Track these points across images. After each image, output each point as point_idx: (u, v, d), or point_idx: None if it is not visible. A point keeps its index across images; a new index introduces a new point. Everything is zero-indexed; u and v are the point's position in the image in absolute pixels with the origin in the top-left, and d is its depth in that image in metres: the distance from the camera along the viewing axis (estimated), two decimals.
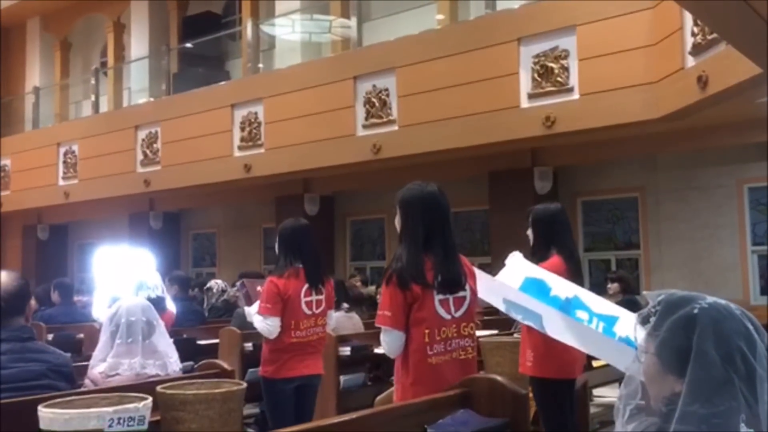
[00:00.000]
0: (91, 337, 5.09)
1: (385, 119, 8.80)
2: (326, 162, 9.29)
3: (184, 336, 5.40)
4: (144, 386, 2.51)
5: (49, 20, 14.87)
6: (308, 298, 3.93)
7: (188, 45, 12.54)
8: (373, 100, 8.91)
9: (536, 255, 3.64)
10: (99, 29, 14.42)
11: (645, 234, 8.64)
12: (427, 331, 2.70)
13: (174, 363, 3.04)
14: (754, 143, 7.37)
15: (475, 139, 7.98)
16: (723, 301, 1.29)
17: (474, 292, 2.85)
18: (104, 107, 13.48)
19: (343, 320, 5.51)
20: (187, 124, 10.84)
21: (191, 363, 3.90)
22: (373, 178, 10.02)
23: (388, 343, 2.75)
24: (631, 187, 8.81)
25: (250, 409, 4.51)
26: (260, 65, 11.26)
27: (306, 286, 3.93)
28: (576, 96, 7.41)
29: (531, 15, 7.78)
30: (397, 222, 2.83)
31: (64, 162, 13.04)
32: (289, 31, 10.69)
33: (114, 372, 2.87)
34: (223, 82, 11.40)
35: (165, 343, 3.05)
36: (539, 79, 7.64)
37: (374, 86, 8.92)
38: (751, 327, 1.25)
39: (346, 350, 5.21)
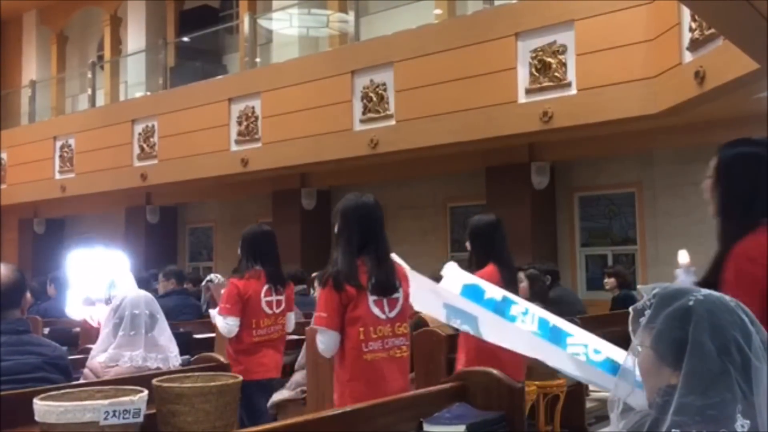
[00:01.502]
0: (87, 331, 5.09)
1: (382, 114, 8.79)
2: (323, 157, 9.28)
3: (181, 330, 5.40)
4: (140, 379, 2.51)
5: (45, 13, 14.82)
6: (268, 298, 4.13)
7: (185, 39, 12.51)
8: (371, 94, 8.90)
9: (474, 264, 3.82)
10: (95, 23, 14.38)
11: (642, 229, 8.65)
12: (362, 329, 2.90)
13: (174, 357, 3.05)
14: None
15: (473, 134, 7.98)
16: (717, 294, 1.29)
17: (407, 296, 3.06)
18: (101, 101, 13.44)
19: None
20: (184, 118, 10.82)
21: (188, 356, 3.93)
22: (370, 173, 10.02)
23: (324, 343, 2.94)
24: (628, 183, 8.82)
25: None
26: (257, 59, 11.24)
27: (266, 287, 4.13)
28: (574, 91, 7.41)
29: (529, 10, 7.77)
30: (336, 230, 3.06)
31: (61, 156, 13.01)
32: (286, 25, 10.66)
33: (114, 363, 2.88)
34: (220, 77, 11.38)
35: (166, 337, 3.05)
36: (537, 74, 7.63)
37: (372, 81, 8.91)
38: (746, 318, 1.26)
39: None
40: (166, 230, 13.03)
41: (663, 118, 6.95)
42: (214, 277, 7.29)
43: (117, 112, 12.29)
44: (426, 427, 2.21)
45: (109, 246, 5.97)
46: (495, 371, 2.43)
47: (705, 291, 1.29)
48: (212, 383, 2.38)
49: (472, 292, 3.30)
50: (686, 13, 6.24)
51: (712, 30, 5.68)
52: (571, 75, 7.43)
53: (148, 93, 12.52)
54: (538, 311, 3.23)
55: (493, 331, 3.13)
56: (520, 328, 3.12)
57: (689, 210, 8.32)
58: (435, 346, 3.96)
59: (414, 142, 8.43)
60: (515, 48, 7.77)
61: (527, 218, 8.62)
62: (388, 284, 2.98)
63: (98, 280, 4.74)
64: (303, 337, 5.22)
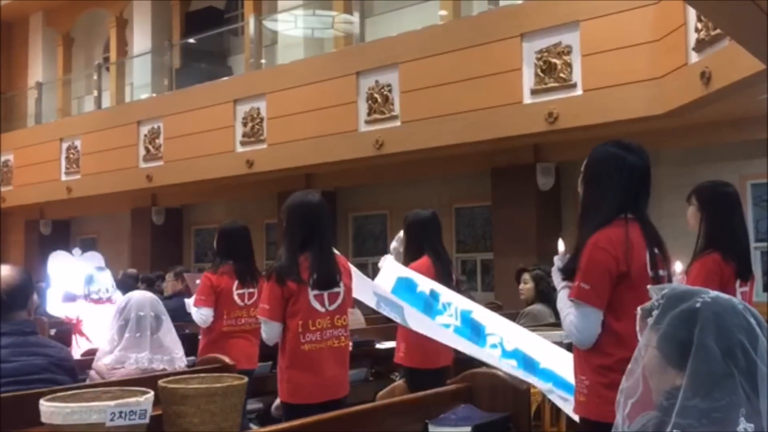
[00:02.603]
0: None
1: (387, 115, 8.79)
2: (328, 158, 9.28)
3: (186, 331, 5.41)
4: (146, 380, 2.51)
5: (51, 15, 14.86)
6: (240, 291, 4.31)
7: (191, 40, 12.53)
8: (376, 95, 8.90)
9: (409, 255, 4.03)
10: (101, 24, 14.41)
11: None
12: (300, 322, 3.12)
13: (180, 358, 3.05)
14: (757, 139, 7.34)
15: (478, 135, 7.97)
16: (725, 296, 1.28)
17: (348, 289, 3.28)
18: (107, 103, 13.48)
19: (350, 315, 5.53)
20: (189, 120, 10.84)
21: (193, 358, 3.95)
22: (375, 174, 10.01)
23: (266, 332, 3.21)
24: None
25: (253, 404, 4.53)
26: (263, 61, 11.25)
27: (238, 281, 4.31)
28: (579, 92, 7.39)
29: (534, 10, 7.76)
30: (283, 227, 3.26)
31: (67, 157, 13.05)
32: (291, 26, 10.67)
33: (120, 365, 2.88)
34: (225, 78, 11.39)
35: (171, 338, 3.06)
36: (542, 74, 7.62)
37: (377, 82, 8.91)
38: (753, 322, 1.25)
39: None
40: (172, 231, 13.05)
41: (669, 119, 6.93)
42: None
43: (123, 113, 12.31)
44: (432, 428, 2.21)
45: (115, 247, 6.18)
46: (501, 373, 2.43)
47: (713, 293, 1.28)
48: (218, 384, 2.39)
49: (405, 285, 3.57)
50: (692, 13, 6.22)
51: (718, 30, 5.66)
52: (577, 76, 7.41)
53: (154, 94, 12.54)
54: (461, 303, 3.54)
55: (417, 321, 3.41)
56: (439, 324, 3.43)
57: None
58: None
59: (419, 142, 8.42)
60: (520, 49, 7.76)
61: (532, 219, 8.60)
62: (330, 279, 3.19)
63: (76, 278, 4.88)
64: None
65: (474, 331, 3.43)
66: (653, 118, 6.91)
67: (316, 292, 3.15)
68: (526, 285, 5.10)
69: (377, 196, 10.83)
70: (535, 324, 4.53)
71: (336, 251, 3.36)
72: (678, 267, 3.48)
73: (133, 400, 1.96)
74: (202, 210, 13.26)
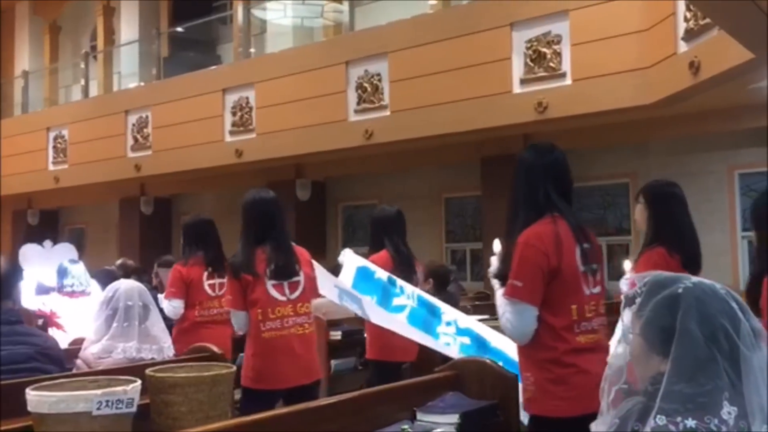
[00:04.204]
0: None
1: (377, 104, 8.77)
2: (318, 147, 9.25)
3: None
4: (134, 369, 2.50)
5: (38, 4, 14.70)
6: (211, 281, 4.40)
7: (179, 29, 12.43)
8: (365, 85, 8.87)
9: (371, 248, 4.30)
10: (88, 13, 14.27)
11: (635, 220, 8.66)
12: (260, 311, 3.31)
13: (168, 348, 3.05)
14: (745, 129, 7.38)
15: (467, 124, 7.96)
16: (708, 281, 1.29)
17: (309, 277, 3.45)
18: (94, 91, 13.37)
19: (333, 305, 5.52)
20: (177, 109, 10.77)
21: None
22: (365, 164, 10.00)
23: (235, 322, 3.44)
24: (623, 173, 8.83)
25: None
26: (252, 50, 11.18)
27: (207, 271, 4.41)
28: (568, 81, 7.40)
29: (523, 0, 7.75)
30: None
31: (54, 147, 12.95)
32: (280, 15, 10.60)
33: (107, 354, 2.87)
34: (214, 67, 11.31)
35: (159, 328, 3.05)
36: (532, 64, 7.62)
37: (366, 71, 8.88)
38: (735, 306, 1.25)
39: (336, 335, 5.22)
40: (161, 221, 12.99)
41: (658, 109, 6.95)
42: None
43: (110, 102, 12.22)
44: (420, 415, 2.22)
45: (103, 237, 6.20)
46: (489, 361, 2.44)
47: (695, 279, 1.29)
48: (206, 373, 2.39)
49: (364, 273, 3.78)
50: (681, 3, 6.23)
51: (707, 20, 5.67)
52: (566, 65, 7.41)
53: (142, 83, 12.44)
54: (416, 289, 3.78)
55: (376, 314, 3.57)
56: (396, 305, 3.64)
57: None
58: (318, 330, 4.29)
59: (409, 132, 8.41)
60: (510, 38, 7.75)
61: None
62: (287, 269, 3.37)
63: (48, 270, 4.88)
64: None
65: (430, 311, 3.62)
66: (642, 107, 6.93)
67: (274, 282, 3.34)
68: None
69: (367, 186, 10.82)
70: None
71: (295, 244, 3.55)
72: (627, 265, 3.68)
73: (119, 389, 1.95)
74: (191, 200, 13.20)
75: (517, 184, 2.57)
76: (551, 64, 7.48)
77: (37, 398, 1.89)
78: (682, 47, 6.29)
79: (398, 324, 3.58)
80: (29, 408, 1.90)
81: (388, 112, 8.67)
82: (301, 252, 3.52)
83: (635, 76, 6.86)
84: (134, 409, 1.96)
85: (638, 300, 1.31)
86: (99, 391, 1.92)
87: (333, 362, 5.19)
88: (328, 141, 9.10)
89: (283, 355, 3.27)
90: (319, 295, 3.59)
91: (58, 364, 2.63)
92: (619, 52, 6.96)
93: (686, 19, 6.18)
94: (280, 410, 2.03)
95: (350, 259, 3.86)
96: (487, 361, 2.44)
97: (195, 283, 4.38)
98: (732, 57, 5.37)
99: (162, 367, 2.41)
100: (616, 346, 2.88)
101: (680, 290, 1.27)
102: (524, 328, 2.38)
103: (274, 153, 9.70)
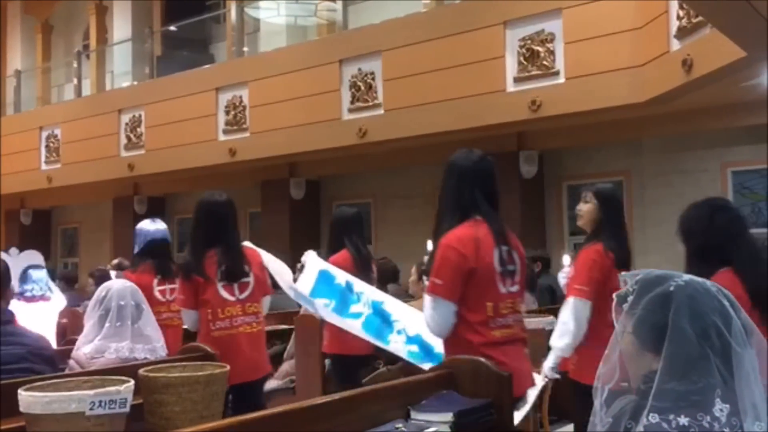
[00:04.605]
0: (74, 323, 5.08)
1: (370, 103, 8.76)
2: (312, 146, 9.24)
3: None
4: (127, 369, 2.50)
5: (29, 3, 14.62)
6: (161, 287, 4.37)
7: (172, 28, 12.39)
8: (359, 83, 8.87)
9: (331, 248, 4.46)
10: (81, 12, 14.21)
11: (630, 218, 8.65)
12: (209, 311, 3.45)
13: (161, 347, 3.04)
14: (738, 127, 7.40)
15: (461, 123, 7.96)
16: (699, 279, 1.29)
17: (259, 279, 3.59)
18: (87, 91, 13.31)
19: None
20: (171, 108, 10.74)
21: None
22: (359, 162, 9.99)
23: (186, 320, 3.58)
24: (617, 171, 8.84)
25: None
26: (245, 48, 11.15)
27: (158, 277, 4.40)
28: (562, 80, 7.40)
29: None
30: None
31: (47, 146, 12.89)
32: (274, 14, 10.58)
33: (100, 354, 2.86)
34: (207, 66, 11.28)
35: (152, 327, 3.04)
36: (525, 62, 7.62)
37: (360, 70, 8.87)
38: (727, 304, 1.25)
39: None
40: None
41: (651, 107, 6.96)
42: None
43: (103, 101, 12.17)
44: (414, 414, 2.22)
45: (97, 237, 6.19)
46: (482, 359, 2.44)
47: (687, 277, 1.29)
48: (199, 373, 2.38)
49: (325, 277, 3.91)
50: (674, 1, 6.24)
51: (700, 18, 5.69)
52: (560, 63, 7.42)
53: (135, 82, 12.40)
54: (372, 294, 3.91)
55: (329, 316, 3.77)
56: (352, 313, 3.80)
57: (677, 198, 8.35)
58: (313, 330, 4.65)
59: (402, 131, 8.40)
60: (503, 36, 7.75)
61: (516, 207, 8.62)
62: (236, 271, 3.50)
63: (12, 276, 4.87)
64: (291, 327, 5.22)
65: (383, 319, 3.79)
66: (635, 105, 6.94)
67: (224, 283, 3.47)
68: None
69: (361, 185, 10.81)
70: None
71: (251, 245, 3.74)
72: (566, 260, 3.87)
73: (113, 389, 1.94)
74: (184, 199, 13.15)
75: (447, 186, 2.75)
76: (545, 63, 7.49)
77: (29, 399, 1.88)
78: (675, 45, 6.31)
79: (352, 328, 3.77)
80: (21, 408, 1.89)
81: (381, 111, 8.66)
82: (252, 254, 3.67)
83: (628, 74, 6.88)
84: (127, 409, 1.96)
85: (630, 298, 1.31)
86: (92, 392, 1.92)
87: (327, 361, 5.18)
88: (322, 140, 9.09)
89: (231, 353, 3.32)
90: (268, 293, 3.73)
91: (50, 364, 2.62)
92: (612, 51, 6.97)
93: (679, 17, 6.19)
94: (274, 410, 2.02)
95: (312, 262, 3.97)
96: (482, 359, 2.45)
97: (145, 289, 4.27)
98: (725, 55, 5.38)
99: (155, 367, 2.41)
100: (557, 339, 3.10)
101: (672, 288, 1.27)
102: (443, 323, 2.61)
103: (267, 152, 9.68)
